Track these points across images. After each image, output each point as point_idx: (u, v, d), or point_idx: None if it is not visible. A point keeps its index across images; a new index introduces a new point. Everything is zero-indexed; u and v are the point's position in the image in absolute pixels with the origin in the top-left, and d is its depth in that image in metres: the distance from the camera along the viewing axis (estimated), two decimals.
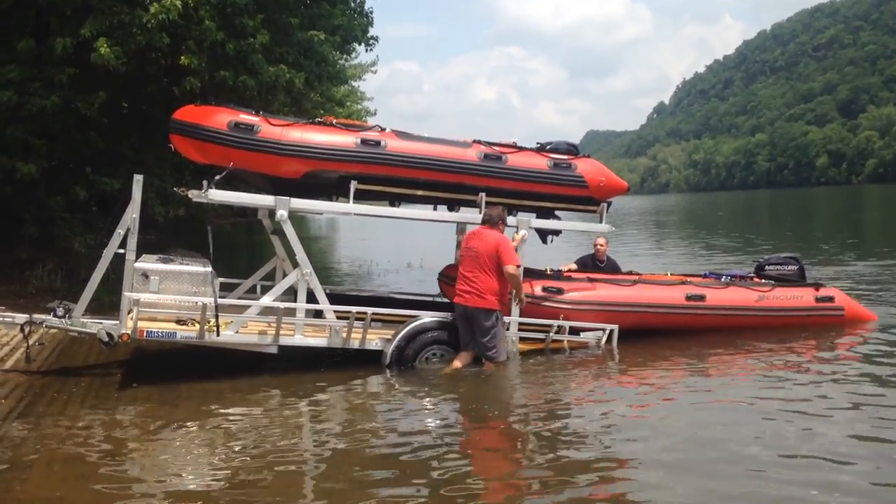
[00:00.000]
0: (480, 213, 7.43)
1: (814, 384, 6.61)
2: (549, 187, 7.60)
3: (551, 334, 7.72)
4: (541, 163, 7.56)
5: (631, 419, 5.73)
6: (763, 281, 9.42)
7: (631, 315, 8.39)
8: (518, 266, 7.16)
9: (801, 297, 9.13)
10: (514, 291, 7.31)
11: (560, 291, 8.24)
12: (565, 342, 7.85)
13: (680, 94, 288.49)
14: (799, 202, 65.10)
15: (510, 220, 7.64)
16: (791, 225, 35.34)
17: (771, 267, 9.66)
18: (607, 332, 8.00)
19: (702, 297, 8.66)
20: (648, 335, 8.33)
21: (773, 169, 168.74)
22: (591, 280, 8.64)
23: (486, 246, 7.06)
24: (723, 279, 9.42)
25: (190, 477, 4.52)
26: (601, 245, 9.83)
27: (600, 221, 7.93)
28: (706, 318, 8.68)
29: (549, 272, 8.94)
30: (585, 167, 7.70)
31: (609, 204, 7.95)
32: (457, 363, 7.04)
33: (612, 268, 9.89)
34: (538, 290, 8.22)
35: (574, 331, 7.99)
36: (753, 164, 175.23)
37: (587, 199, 7.80)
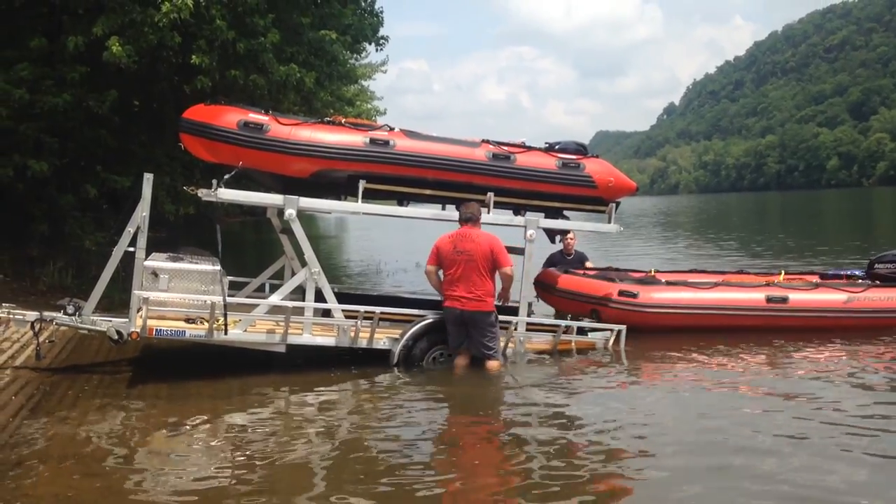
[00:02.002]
0: (489, 212, 7.43)
1: (833, 390, 6.59)
2: (558, 187, 7.58)
3: (559, 334, 7.71)
4: (549, 163, 7.55)
5: (637, 424, 5.69)
6: (860, 281, 9.39)
7: (709, 318, 8.64)
8: (512, 266, 7.09)
9: (894, 297, 8.92)
10: (504, 289, 7.18)
11: (634, 295, 8.65)
12: (573, 343, 7.84)
13: (690, 95, 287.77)
14: (816, 204, 64.37)
15: (518, 219, 7.65)
16: (821, 227, 34.92)
17: (881, 265, 9.62)
18: (615, 332, 7.98)
19: (784, 300, 8.75)
20: (660, 336, 8.40)
21: (784, 171, 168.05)
22: (669, 283, 9.06)
23: (479, 248, 6.90)
24: (813, 281, 9.53)
25: (198, 474, 4.53)
26: (571, 239, 9.96)
27: (609, 221, 7.91)
28: (788, 321, 8.73)
29: (650, 274, 9.80)
30: (594, 167, 7.68)
31: (618, 204, 7.94)
32: (461, 362, 7.04)
33: (579, 260, 10.17)
34: (614, 294, 8.73)
35: (582, 331, 8.00)
36: (763, 166, 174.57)
37: (596, 200, 7.78)
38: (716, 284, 9.14)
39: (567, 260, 10.13)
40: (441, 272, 7.09)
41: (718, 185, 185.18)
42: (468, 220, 7.08)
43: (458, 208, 7.57)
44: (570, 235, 9.92)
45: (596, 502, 4.30)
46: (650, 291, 8.81)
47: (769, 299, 8.74)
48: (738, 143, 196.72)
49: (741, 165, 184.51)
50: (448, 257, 6.97)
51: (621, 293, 8.71)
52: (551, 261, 10.15)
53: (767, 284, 9.19)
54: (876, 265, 9.66)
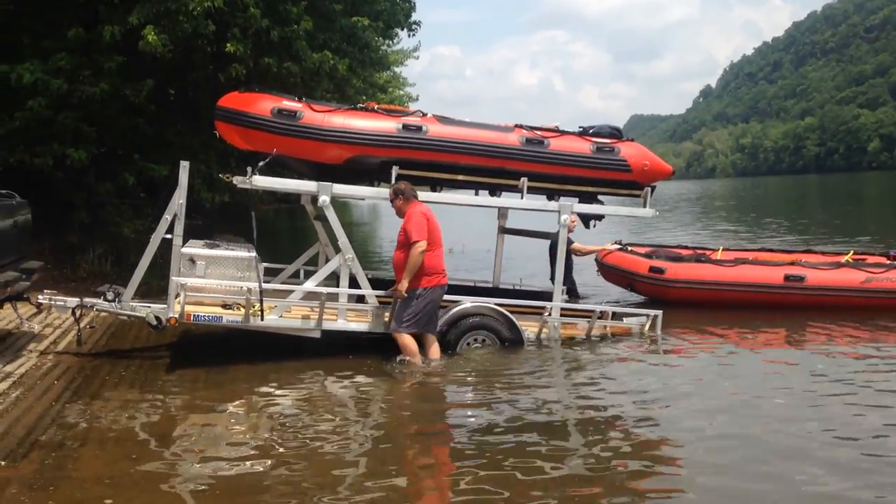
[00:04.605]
0: (522, 198, 7.39)
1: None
2: (592, 171, 7.51)
3: (594, 320, 7.67)
4: (583, 147, 7.48)
5: (668, 413, 5.66)
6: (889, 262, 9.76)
7: (729, 294, 9.31)
8: None
9: None
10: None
11: (662, 271, 9.60)
12: (608, 328, 7.79)
13: (727, 77, 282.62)
14: (862, 187, 62.82)
15: (552, 204, 7.61)
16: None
17: None
18: (650, 318, 7.91)
19: (801, 278, 9.20)
20: (703, 318, 8.67)
21: (823, 153, 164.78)
22: (699, 261, 9.90)
23: None
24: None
25: (235, 457, 4.59)
26: (573, 222, 9.65)
27: (644, 206, 7.82)
28: (805, 299, 9.18)
29: (701, 251, 10.73)
30: (629, 151, 7.59)
31: (653, 188, 7.84)
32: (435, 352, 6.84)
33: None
34: (645, 270, 9.76)
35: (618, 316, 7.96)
36: (802, 149, 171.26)
37: (631, 184, 7.69)
38: (739, 262, 9.69)
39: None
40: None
41: (756, 169, 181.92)
42: (416, 196, 6.93)
43: (491, 194, 7.56)
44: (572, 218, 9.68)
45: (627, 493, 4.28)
46: (677, 268, 9.61)
47: (787, 277, 9.22)
48: (777, 126, 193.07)
49: (779, 148, 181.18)
50: (437, 232, 6.78)
51: (651, 269, 9.68)
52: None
53: (793, 263, 9.65)
54: None
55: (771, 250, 11.28)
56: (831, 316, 8.75)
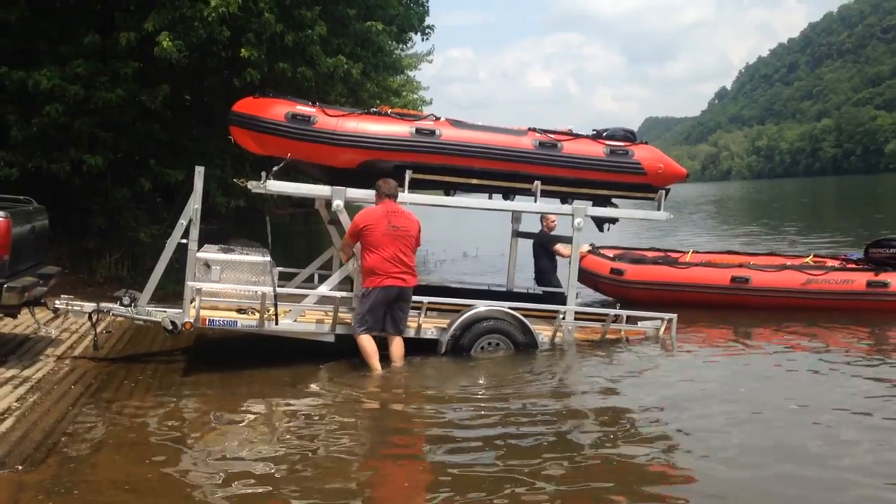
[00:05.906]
0: (535, 201, 7.39)
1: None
2: (606, 175, 7.49)
3: (608, 323, 7.64)
4: (597, 150, 7.46)
5: (685, 416, 5.63)
6: (831, 265, 10.18)
7: (682, 294, 9.66)
8: None
9: (852, 281, 9.51)
10: None
11: (622, 272, 10.07)
12: (622, 331, 7.76)
13: (742, 79, 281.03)
14: (882, 189, 62.29)
15: (566, 208, 7.60)
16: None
17: (874, 249, 10.28)
18: (665, 321, 7.88)
19: (746, 280, 9.68)
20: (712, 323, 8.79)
21: (840, 155, 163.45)
22: (656, 262, 10.35)
23: (413, 224, 6.82)
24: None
25: (251, 462, 4.60)
26: (553, 221, 9.47)
27: (658, 209, 7.78)
28: (749, 299, 9.65)
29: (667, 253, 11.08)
30: (643, 154, 7.57)
31: (668, 191, 7.81)
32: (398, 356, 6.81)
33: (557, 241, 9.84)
34: (607, 271, 10.21)
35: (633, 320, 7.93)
36: (819, 151, 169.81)
37: (645, 187, 7.67)
38: (693, 265, 10.20)
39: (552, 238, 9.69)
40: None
41: (772, 171, 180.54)
42: (393, 195, 6.85)
43: (504, 198, 7.56)
44: (552, 217, 9.39)
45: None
46: (636, 269, 10.11)
47: (733, 279, 9.69)
48: (793, 128, 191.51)
49: (796, 150, 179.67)
50: (384, 233, 6.65)
51: (612, 271, 10.17)
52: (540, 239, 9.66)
53: (740, 265, 10.11)
54: (870, 250, 10.27)
55: (737, 253, 11.78)
56: (842, 316, 8.85)
